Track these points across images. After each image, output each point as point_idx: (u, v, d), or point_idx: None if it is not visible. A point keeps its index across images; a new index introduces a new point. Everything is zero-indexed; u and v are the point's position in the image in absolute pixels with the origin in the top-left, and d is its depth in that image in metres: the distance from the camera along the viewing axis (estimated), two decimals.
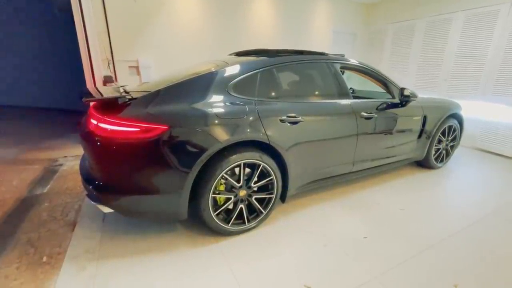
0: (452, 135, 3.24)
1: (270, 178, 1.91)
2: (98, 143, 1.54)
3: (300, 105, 2.07)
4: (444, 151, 3.27)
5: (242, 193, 1.85)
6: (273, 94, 2.02)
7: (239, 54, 2.45)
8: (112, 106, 1.60)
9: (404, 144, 2.78)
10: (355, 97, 2.45)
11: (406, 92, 2.57)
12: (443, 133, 3.11)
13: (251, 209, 1.96)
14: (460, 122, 3.29)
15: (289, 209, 2.28)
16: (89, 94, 1.78)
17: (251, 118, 1.78)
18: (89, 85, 3.39)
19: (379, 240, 1.91)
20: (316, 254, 1.74)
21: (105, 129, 1.52)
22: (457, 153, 3.80)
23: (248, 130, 1.76)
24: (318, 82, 2.34)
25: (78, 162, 3.13)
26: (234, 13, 4.54)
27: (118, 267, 1.59)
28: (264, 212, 1.98)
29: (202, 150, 1.60)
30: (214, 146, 1.63)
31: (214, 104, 1.74)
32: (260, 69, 1.97)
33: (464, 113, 3.33)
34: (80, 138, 1.78)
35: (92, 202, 1.65)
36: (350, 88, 3.76)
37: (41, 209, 2.20)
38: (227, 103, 1.78)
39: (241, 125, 1.75)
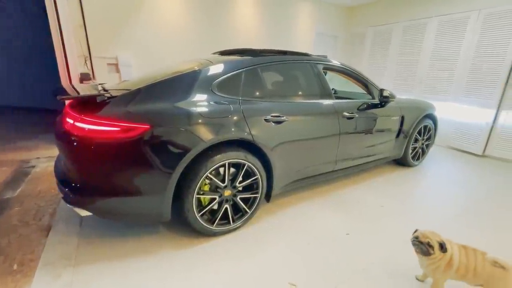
0: (427, 134, 3.41)
1: (255, 177, 1.91)
2: (75, 144, 1.47)
3: (284, 104, 2.09)
4: (420, 150, 3.43)
5: (227, 193, 1.84)
6: (257, 93, 2.02)
7: (223, 53, 2.43)
8: (90, 105, 1.53)
9: (383, 143, 2.89)
10: (337, 98, 2.51)
11: (385, 93, 2.67)
12: (419, 133, 3.26)
13: (236, 209, 1.95)
14: (435, 122, 3.47)
15: (274, 208, 2.29)
16: (64, 92, 1.69)
17: (235, 117, 1.77)
18: (64, 82, 3.23)
19: (361, 236, 1.96)
20: (300, 252, 1.76)
21: (83, 129, 1.45)
22: (432, 151, 4.00)
23: (233, 129, 1.75)
24: (302, 82, 2.37)
25: (51, 163, 2.97)
26: (218, 12, 4.50)
27: (98, 273, 1.52)
28: (249, 212, 1.97)
29: (186, 150, 1.57)
30: (198, 146, 1.60)
31: (198, 103, 1.71)
32: (244, 69, 1.96)
33: (438, 114, 3.51)
34: (55, 138, 1.68)
35: (68, 205, 1.57)
36: (332, 88, 3.85)
37: (11, 213, 2.06)
38: (211, 102, 1.75)
39: (225, 124, 1.73)
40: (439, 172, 3.39)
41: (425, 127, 3.31)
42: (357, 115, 2.48)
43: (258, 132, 1.84)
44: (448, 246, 1.30)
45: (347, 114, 2.39)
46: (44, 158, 3.23)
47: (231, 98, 1.84)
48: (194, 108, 1.67)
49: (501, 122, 3.91)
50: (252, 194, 1.96)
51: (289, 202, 2.41)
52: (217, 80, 1.84)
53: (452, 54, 4.32)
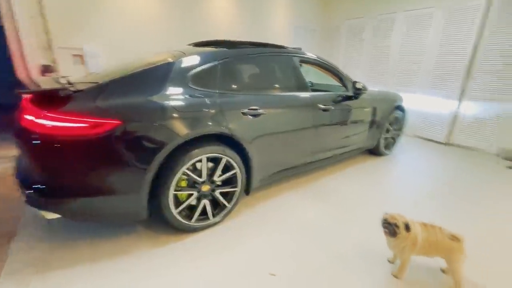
0: (397, 125, 3.59)
1: (234, 171, 1.90)
2: (37, 142, 1.35)
3: (261, 97, 2.08)
4: (391, 140, 3.61)
5: (205, 188, 1.81)
6: (234, 86, 1.99)
7: (198, 44, 2.36)
8: (53, 99, 1.42)
9: (357, 134, 3.00)
10: (313, 90, 2.55)
11: (358, 85, 2.76)
12: (390, 123, 3.42)
13: (215, 203, 1.93)
14: (404, 113, 3.66)
15: (253, 201, 2.30)
16: (22, 86, 1.55)
17: (212, 111, 1.74)
18: (21, 75, 2.96)
19: (338, 224, 2.04)
20: (280, 243, 1.80)
21: (45, 126, 1.34)
22: (401, 141, 4.23)
23: (210, 123, 1.72)
24: (278, 75, 2.38)
25: (10, 164, 2.74)
26: (193, 2, 4.34)
27: (71, 277, 1.45)
28: (229, 206, 1.97)
29: (160, 146, 1.52)
30: (174, 141, 1.56)
31: (172, 97, 1.65)
32: (220, 61, 1.92)
33: (406, 105, 3.71)
34: (14, 137, 1.54)
35: (33, 208, 1.46)
36: (309, 81, 3.91)
37: None
38: (186, 96, 1.70)
39: (202, 118, 1.69)
40: (408, 160, 3.60)
41: (396, 118, 3.48)
42: (332, 107, 2.54)
43: (235, 126, 1.83)
44: (412, 225, 1.40)
45: (322, 106, 2.44)
46: (1, 158, 2.96)
47: (207, 91, 1.80)
48: (168, 102, 1.61)
49: (463, 112, 4.21)
50: (231, 188, 1.95)
51: (268, 195, 2.43)
52: (192, 72, 1.78)
53: (418, 48, 4.55)
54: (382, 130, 3.32)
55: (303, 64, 2.80)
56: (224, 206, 1.95)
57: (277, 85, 2.35)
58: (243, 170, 1.97)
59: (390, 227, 1.42)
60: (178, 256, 1.63)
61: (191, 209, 1.83)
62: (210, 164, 1.83)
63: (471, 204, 2.45)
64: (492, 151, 3.98)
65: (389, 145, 3.62)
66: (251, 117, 1.92)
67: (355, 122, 2.90)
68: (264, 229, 1.94)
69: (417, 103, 4.67)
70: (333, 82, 3.07)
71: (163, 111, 1.57)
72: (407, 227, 1.40)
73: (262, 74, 2.32)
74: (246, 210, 2.18)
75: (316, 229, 1.96)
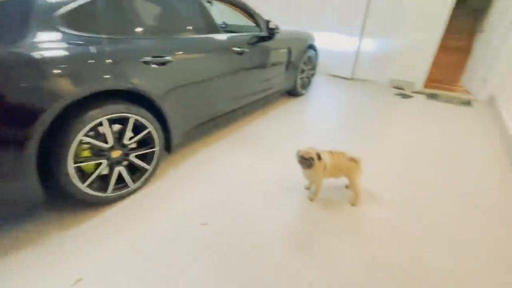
0: (310, 64, 3.78)
1: (147, 130, 1.71)
2: None
3: (166, 42, 1.80)
4: (306, 79, 3.82)
5: (116, 154, 1.60)
6: (127, 29, 1.64)
7: None
8: None
9: (276, 76, 3.04)
10: (226, 32, 2.36)
11: (271, 25, 2.68)
12: (304, 63, 3.57)
13: (133, 168, 1.76)
14: (316, 53, 3.84)
15: (179, 158, 2.20)
16: None
17: (101, 62, 1.41)
18: None
19: (262, 164, 2.16)
20: (208, 194, 1.81)
21: None
22: (315, 79, 4.55)
23: (100, 78, 1.41)
24: (182, 15, 2.06)
25: None
26: None
27: None
28: (149, 169, 1.82)
29: (38, 113, 1.19)
30: (54, 105, 1.23)
31: (42, 46, 1.25)
32: None
33: (317, 44, 3.88)
34: None
35: None
36: (223, 22, 3.61)
37: None
38: (60, 44, 1.32)
39: (87, 73, 1.36)
40: (321, 97, 3.95)
41: (309, 57, 3.64)
42: (248, 50, 2.43)
43: (137, 78, 1.56)
44: (322, 155, 1.59)
45: (237, 49, 2.31)
46: None
47: (90, 37, 1.43)
48: (39, 54, 1.22)
49: (363, 49, 4.70)
50: (148, 149, 1.78)
51: (194, 149, 2.36)
52: (62, 10, 1.36)
53: None
54: (298, 71, 3.46)
55: (213, 1, 2.51)
56: (144, 169, 1.80)
57: (182, 27, 2.04)
58: (159, 127, 1.79)
59: (307, 161, 1.57)
60: (100, 232, 1.47)
61: (105, 179, 1.63)
62: (118, 126, 1.60)
63: (368, 128, 2.92)
64: (385, 82, 4.70)
65: (305, 85, 3.84)
66: (156, 66, 1.67)
67: (272, 64, 2.89)
68: (191, 184, 1.91)
69: (326, 41, 4.94)
70: (247, 22, 2.90)
71: (33, 66, 1.19)
72: (319, 157, 1.58)
73: (162, 13, 1.96)
74: (171, 168, 2.07)
75: (244, 174, 2.04)
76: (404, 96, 4.12)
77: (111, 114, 1.47)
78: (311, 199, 1.76)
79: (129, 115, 1.56)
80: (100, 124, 1.46)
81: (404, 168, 2.19)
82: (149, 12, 1.88)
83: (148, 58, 1.61)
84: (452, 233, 1.54)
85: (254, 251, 1.39)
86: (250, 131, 2.74)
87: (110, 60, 1.44)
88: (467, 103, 3.91)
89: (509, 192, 1.93)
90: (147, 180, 1.84)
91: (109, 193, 1.62)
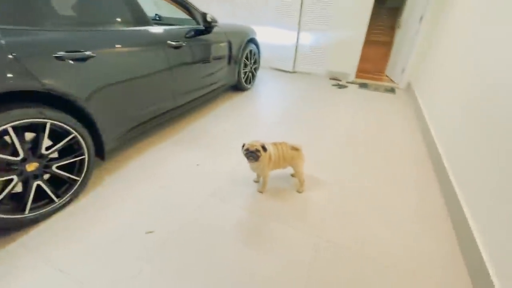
0: (253, 58, 3.81)
1: (71, 136, 1.49)
2: None
3: (85, 35, 1.58)
4: (250, 74, 3.85)
5: (32, 166, 1.36)
6: (34, 18, 1.38)
7: None
8: None
9: (218, 71, 2.97)
10: (160, 25, 2.20)
11: (208, 18, 2.59)
12: (246, 58, 3.57)
13: (58, 181, 1.53)
14: (258, 47, 3.88)
15: (116, 165, 2.00)
16: None
17: None
18: None
19: (210, 162, 2.10)
20: (153, 199, 1.69)
21: None
22: (259, 73, 4.61)
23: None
24: (106, 5, 1.83)
25: None
26: None
27: None
28: (80, 179, 1.61)
29: None
30: None
31: None
32: None
33: (259, 38, 3.92)
34: None
35: None
36: (156, 14, 3.37)
37: None
38: None
39: None
40: (265, 90, 4.02)
41: (250, 51, 3.65)
42: (184, 44, 2.31)
43: (51, 77, 1.35)
44: (266, 146, 1.61)
45: (173, 43, 2.18)
46: None
47: None
48: None
49: (301, 43, 4.93)
50: (75, 157, 1.56)
51: (135, 152, 2.17)
52: None
53: None
54: (241, 65, 3.45)
55: None
56: (74, 180, 1.58)
57: (105, 19, 1.79)
58: (87, 132, 1.59)
59: (253, 154, 1.57)
60: (19, 260, 1.25)
61: (21, 197, 1.38)
62: (31, 135, 1.36)
63: (309, 118, 3.08)
64: (323, 74, 5.02)
65: (249, 79, 3.87)
66: (74, 62, 1.45)
67: (213, 58, 2.82)
68: (133, 191, 1.75)
69: (267, 36, 5.04)
70: (184, 15, 2.76)
71: None
72: (264, 148, 1.59)
73: (79, 2, 1.71)
74: (107, 176, 1.87)
75: (191, 174, 1.96)
76: (340, 86, 4.47)
77: (18, 120, 1.24)
78: (260, 191, 1.78)
79: (43, 120, 1.33)
80: (6, 133, 1.22)
81: (342, 152, 2.37)
82: (62, 0, 1.62)
83: (62, 53, 1.39)
84: (383, 207, 1.73)
85: (207, 252, 1.35)
86: (196, 129, 2.64)
87: (10, 56, 1.20)
88: (392, 90, 4.44)
89: (422, 165, 2.25)
90: (78, 192, 1.62)
91: (28, 213, 1.38)
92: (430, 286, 1.23)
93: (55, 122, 1.38)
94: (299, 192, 1.80)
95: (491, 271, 1.14)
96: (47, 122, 1.35)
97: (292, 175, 1.94)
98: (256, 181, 1.88)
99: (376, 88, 4.48)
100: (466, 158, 1.69)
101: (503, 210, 1.18)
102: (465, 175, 1.65)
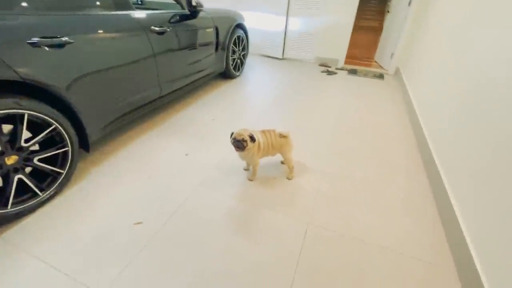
0: (241, 45, 3.72)
1: (51, 128, 1.43)
2: None
3: (62, 19, 1.48)
4: (238, 60, 3.77)
5: (11, 160, 1.31)
6: (3, 1, 1.29)
7: None
8: None
9: (205, 58, 2.89)
10: (142, 9, 2.10)
11: (193, 2, 2.49)
12: (234, 44, 3.49)
13: (41, 174, 1.48)
14: (246, 33, 3.78)
15: (102, 156, 1.95)
16: None
17: None
18: None
19: (198, 152, 2.08)
20: (141, 190, 1.67)
21: None
22: (248, 60, 4.53)
23: None
24: None
25: None
26: None
27: None
28: (64, 171, 1.56)
29: None
30: None
31: None
32: None
33: (248, 24, 3.82)
34: None
35: None
36: None
37: None
38: None
39: None
40: (255, 77, 3.97)
41: (239, 37, 3.56)
42: (169, 29, 2.23)
43: (25, 65, 1.27)
44: (255, 135, 1.60)
45: (156, 28, 2.09)
46: None
47: None
48: None
49: (290, 29, 4.83)
50: (58, 149, 1.51)
51: (121, 143, 2.12)
52: None
53: None
54: (229, 52, 3.36)
55: None
56: (58, 173, 1.53)
57: (82, 3, 1.68)
58: (68, 123, 1.53)
59: (240, 143, 1.56)
60: (5, 256, 1.22)
61: (2, 192, 1.33)
62: (9, 127, 1.30)
63: (299, 105, 3.07)
64: (313, 60, 4.98)
65: (238, 66, 3.79)
66: (49, 49, 1.38)
67: (200, 44, 2.73)
68: (120, 182, 1.72)
69: (255, 22, 4.92)
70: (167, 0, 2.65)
71: None
72: (252, 138, 1.58)
73: None
74: (93, 168, 1.83)
75: (180, 164, 1.93)
76: (329, 72, 4.45)
77: None
78: (250, 180, 1.78)
79: (20, 111, 1.27)
80: None
81: (331, 138, 2.39)
82: None
83: (36, 39, 1.31)
84: (370, 193, 1.77)
85: (197, 242, 1.35)
86: (184, 118, 2.59)
87: None
88: (380, 76, 4.45)
89: (409, 148, 2.30)
90: (62, 185, 1.58)
91: (10, 208, 1.33)
92: (418, 268, 1.28)
93: (33, 113, 1.32)
94: (288, 179, 1.81)
95: (473, 253, 1.19)
96: (24, 113, 1.29)
97: (282, 162, 1.94)
98: (246, 169, 1.88)
99: (365, 74, 4.49)
100: (449, 140, 1.73)
101: (484, 190, 1.22)
102: (448, 158, 1.69)
